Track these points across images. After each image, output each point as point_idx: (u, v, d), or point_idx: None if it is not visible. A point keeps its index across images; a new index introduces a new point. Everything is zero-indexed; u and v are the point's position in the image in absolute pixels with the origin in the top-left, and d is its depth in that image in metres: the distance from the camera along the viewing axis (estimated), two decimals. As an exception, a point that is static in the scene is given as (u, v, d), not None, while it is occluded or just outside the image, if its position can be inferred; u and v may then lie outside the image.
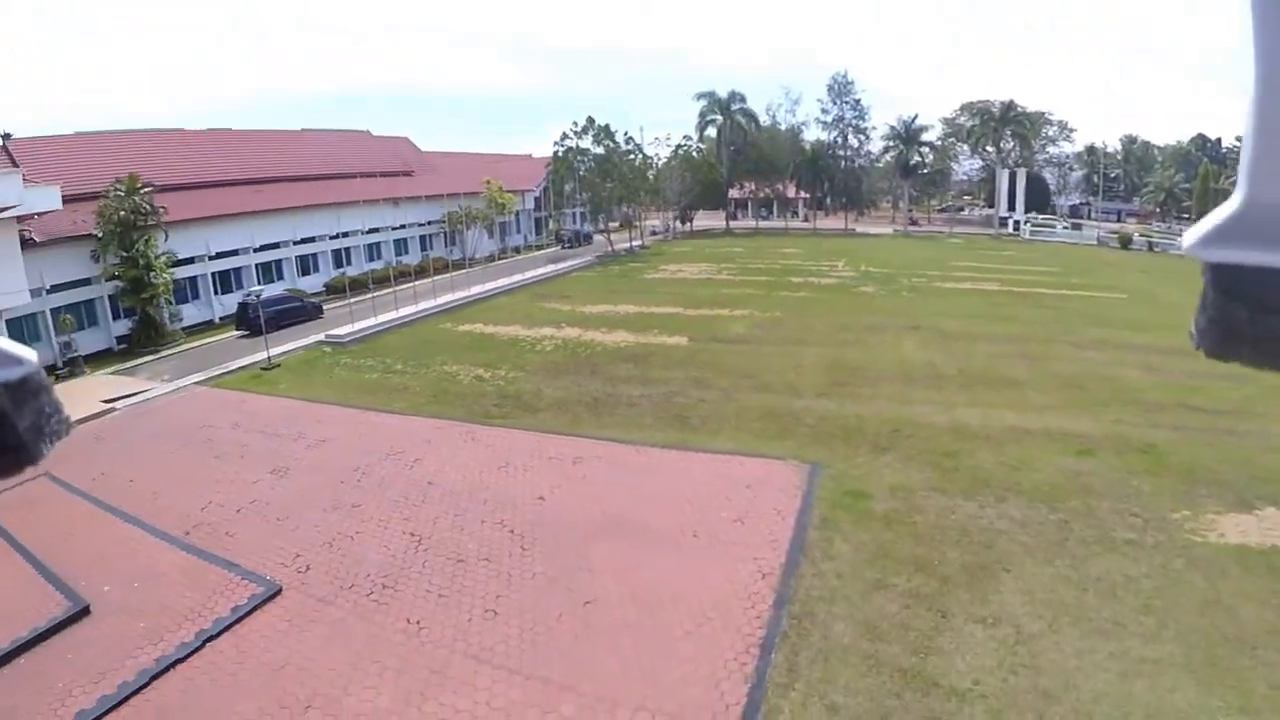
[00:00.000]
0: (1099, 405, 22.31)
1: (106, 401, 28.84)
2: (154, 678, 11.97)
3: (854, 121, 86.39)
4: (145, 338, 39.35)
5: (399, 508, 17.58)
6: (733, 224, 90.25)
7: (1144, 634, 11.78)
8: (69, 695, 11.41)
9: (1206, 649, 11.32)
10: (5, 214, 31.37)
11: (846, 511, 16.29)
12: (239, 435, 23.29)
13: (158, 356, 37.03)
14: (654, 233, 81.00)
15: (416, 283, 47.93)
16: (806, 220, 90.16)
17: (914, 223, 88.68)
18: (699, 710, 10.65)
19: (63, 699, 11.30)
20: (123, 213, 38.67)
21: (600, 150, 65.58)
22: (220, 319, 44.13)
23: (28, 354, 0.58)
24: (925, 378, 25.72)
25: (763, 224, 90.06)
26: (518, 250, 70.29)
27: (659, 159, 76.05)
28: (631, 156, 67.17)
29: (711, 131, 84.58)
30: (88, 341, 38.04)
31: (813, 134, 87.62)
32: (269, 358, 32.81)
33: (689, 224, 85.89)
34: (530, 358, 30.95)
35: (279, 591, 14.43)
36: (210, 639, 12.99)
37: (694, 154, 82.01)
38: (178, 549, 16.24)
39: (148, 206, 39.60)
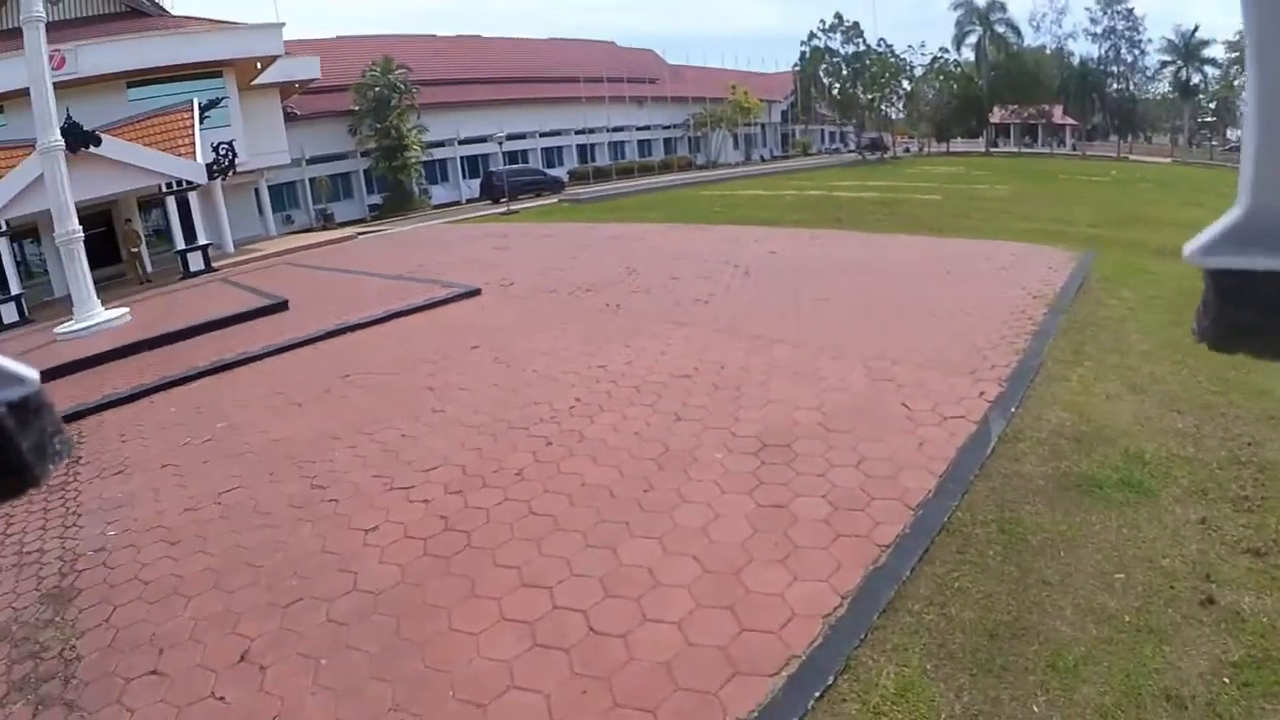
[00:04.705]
0: None
1: (355, 232, 29.85)
2: (328, 335, 11.69)
3: (1126, 34, 75.81)
4: (395, 207, 40.73)
5: (618, 257, 16.34)
6: (992, 150, 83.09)
7: None
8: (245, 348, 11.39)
9: None
10: (268, 71, 32.71)
11: (1131, 276, 13.21)
12: (467, 238, 23.22)
13: (405, 218, 38.06)
14: (906, 150, 76.06)
15: (660, 177, 47.44)
16: (1075, 149, 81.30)
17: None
18: (954, 365, 8.33)
19: (244, 347, 11.33)
20: (378, 89, 40.00)
21: (849, 50, 61.43)
22: (467, 200, 44.88)
23: (30, 373, 0.54)
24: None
25: (1025, 150, 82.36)
26: (763, 159, 67.88)
27: (912, 66, 70.50)
28: (884, 56, 62.51)
29: (969, 53, 76.96)
30: (343, 211, 40.40)
31: (1081, 47, 78.24)
32: (509, 209, 32.89)
33: (946, 144, 79.92)
34: (769, 203, 29.05)
35: (478, 291, 13.60)
36: (397, 315, 12.41)
37: (951, 68, 75.40)
38: (385, 279, 16.02)
39: (402, 85, 40.85)
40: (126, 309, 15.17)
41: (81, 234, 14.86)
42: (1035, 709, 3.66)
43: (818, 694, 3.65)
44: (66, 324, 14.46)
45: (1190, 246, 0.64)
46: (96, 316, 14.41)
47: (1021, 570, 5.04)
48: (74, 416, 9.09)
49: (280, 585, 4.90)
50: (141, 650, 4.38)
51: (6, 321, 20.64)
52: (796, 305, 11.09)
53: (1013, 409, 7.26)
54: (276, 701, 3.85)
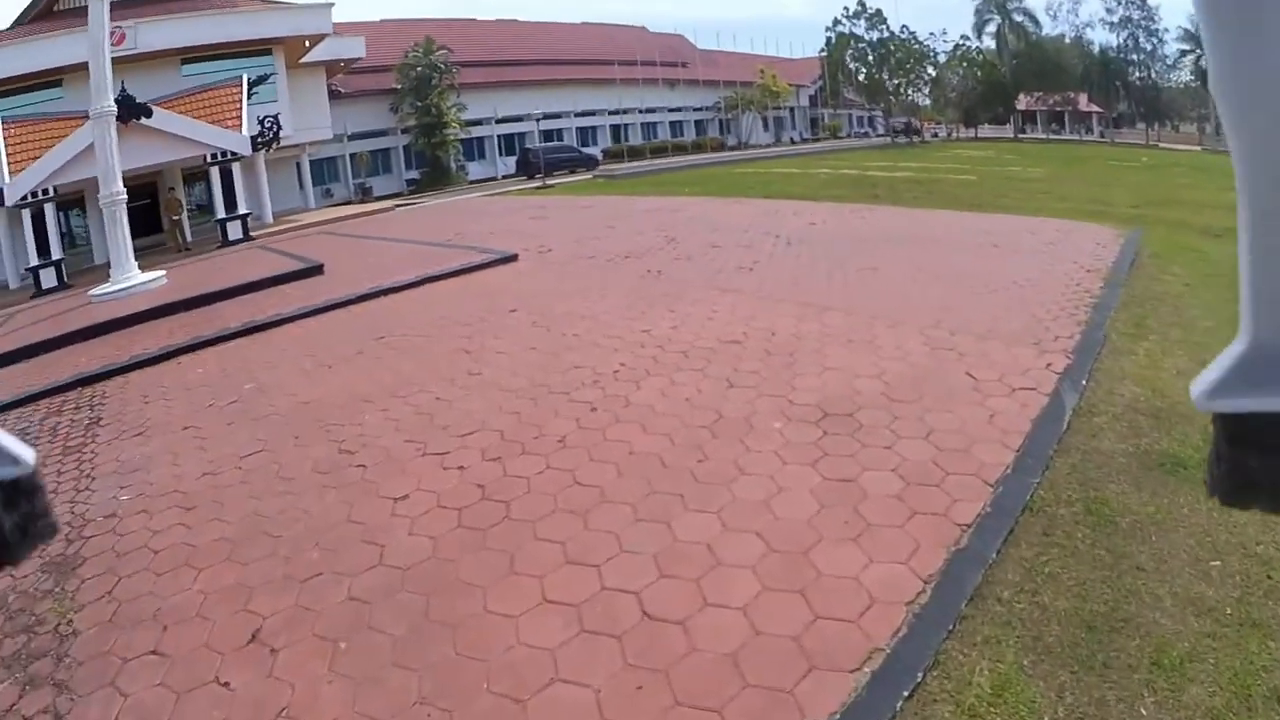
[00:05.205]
0: None
1: (393, 205, 29.86)
2: (363, 298, 11.42)
3: (1142, 23, 73.42)
4: (433, 182, 41.23)
5: (656, 227, 15.87)
6: (1021, 136, 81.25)
7: None
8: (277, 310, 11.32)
9: None
10: (315, 50, 33.11)
11: (1180, 253, 12.54)
12: (505, 210, 23.05)
13: (442, 192, 38.23)
14: (934, 134, 74.83)
15: (692, 156, 47.13)
16: (1103, 136, 79.13)
17: None
18: (1015, 335, 7.78)
19: (277, 309, 11.28)
20: (420, 68, 41.12)
21: (874, 36, 60.62)
22: (503, 177, 45.19)
23: (26, 453, 0.53)
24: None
25: (1053, 137, 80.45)
26: (793, 142, 67.25)
27: (935, 53, 69.43)
28: (907, 42, 61.75)
29: (989, 41, 74.78)
30: (381, 186, 41.23)
31: (1099, 36, 75.86)
32: (544, 183, 32.93)
33: (974, 130, 78.41)
34: (804, 180, 28.43)
35: (515, 257, 13.26)
36: (432, 279, 12.07)
37: (974, 55, 73.92)
38: (422, 246, 15.78)
39: (443, 66, 41.62)
40: (163, 272, 15.08)
41: (125, 196, 14.89)
42: (1143, 711, 3.19)
43: (906, 693, 3.19)
44: (103, 286, 14.39)
45: (1196, 389, 0.58)
46: (133, 278, 14.37)
47: (1113, 555, 4.55)
48: (99, 377, 8.86)
49: (299, 558, 4.48)
50: (143, 626, 3.99)
51: (45, 286, 20.78)
52: (844, 274, 10.59)
53: (1083, 382, 6.75)
54: (287, 689, 3.42)
